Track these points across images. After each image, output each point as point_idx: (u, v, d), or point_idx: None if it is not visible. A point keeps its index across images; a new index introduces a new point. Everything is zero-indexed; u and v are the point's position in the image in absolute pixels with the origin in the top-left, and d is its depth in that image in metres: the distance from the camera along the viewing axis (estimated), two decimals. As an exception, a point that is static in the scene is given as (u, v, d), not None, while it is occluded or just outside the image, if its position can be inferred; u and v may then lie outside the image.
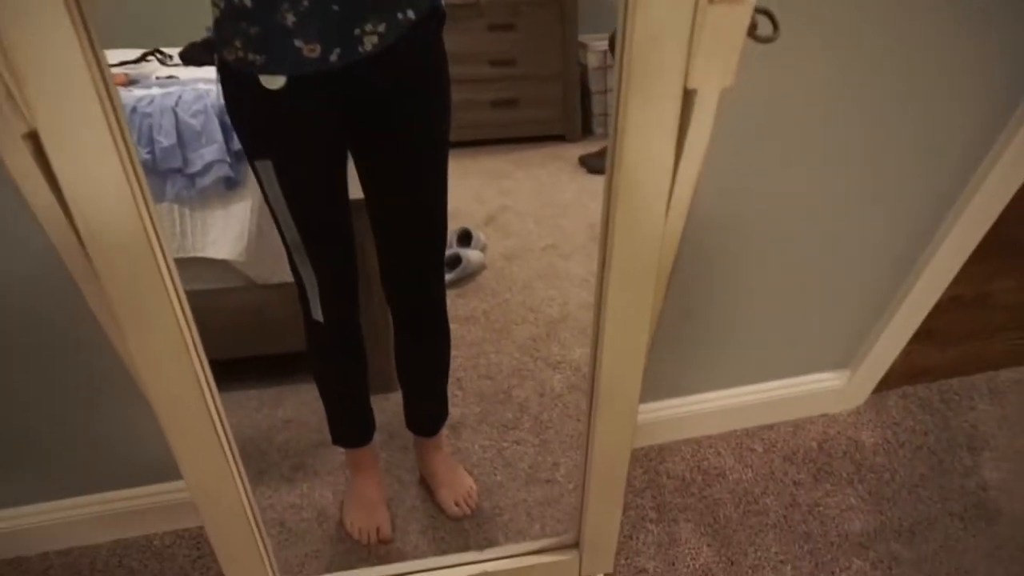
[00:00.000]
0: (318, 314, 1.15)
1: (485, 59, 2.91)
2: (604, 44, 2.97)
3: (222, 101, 1.46)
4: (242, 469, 0.84)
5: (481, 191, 2.68)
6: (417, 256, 1.18)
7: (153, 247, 0.57)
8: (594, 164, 2.82)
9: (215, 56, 0.97)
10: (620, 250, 0.58)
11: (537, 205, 2.63)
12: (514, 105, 3.04)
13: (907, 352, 1.55)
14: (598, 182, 2.78)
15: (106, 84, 0.48)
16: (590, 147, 2.93)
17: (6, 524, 1.35)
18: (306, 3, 0.87)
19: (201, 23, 2.02)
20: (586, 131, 3.20)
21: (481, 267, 2.20)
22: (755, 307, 1.40)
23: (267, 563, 0.92)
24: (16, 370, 1.16)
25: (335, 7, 0.88)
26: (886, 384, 1.64)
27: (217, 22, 0.93)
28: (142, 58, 2.01)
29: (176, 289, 0.64)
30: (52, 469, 1.31)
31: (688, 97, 0.51)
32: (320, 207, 1.07)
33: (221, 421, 0.79)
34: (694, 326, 1.39)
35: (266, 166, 1.00)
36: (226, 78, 0.97)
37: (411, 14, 0.94)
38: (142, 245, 0.55)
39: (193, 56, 1.97)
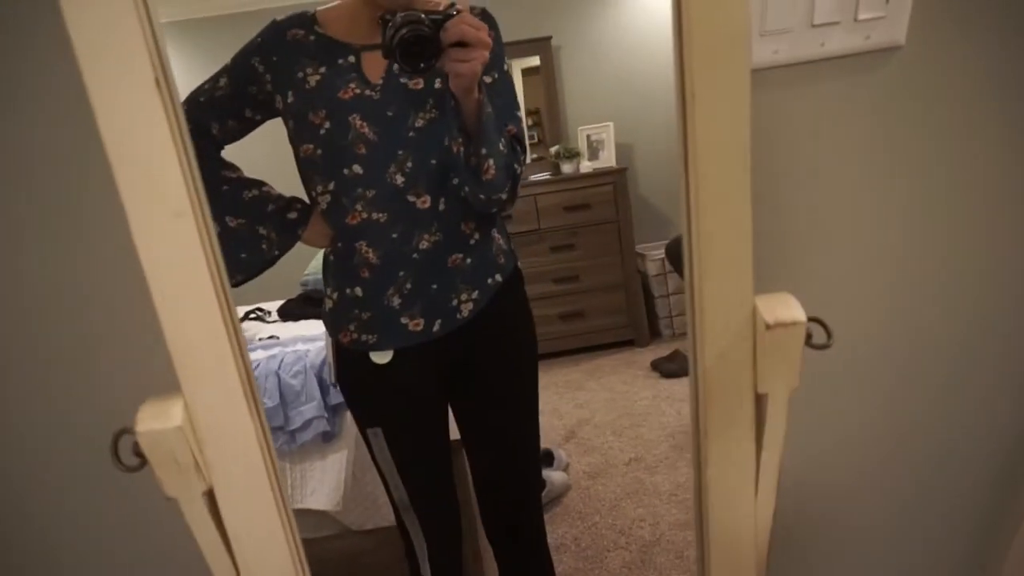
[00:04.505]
0: (427, 573, 1.18)
1: (550, 277, 3.11)
2: (661, 253, 3.13)
3: (319, 361, 1.61)
4: None
5: (558, 405, 2.72)
6: (515, 486, 1.21)
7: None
8: (667, 368, 2.85)
9: (328, 337, 1.08)
10: (716, 548, 0.61)
11: (615, 416, 2.65)
12: (581, 316, 3.17)
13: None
14: (673, 387, 2.81)
15: (269, 450, 0.58)
16: (660, 351, 2.99)
17: None
18: (409, 286, 0.99)
19: (295, 279, 2.27)
20: (654, 334, 3.27)
21: (566, 488, 2.19)
22: None
23: None
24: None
25: (434, 285, 1.00)
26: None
27: (331, 311, 1.05)
28: (245, 317, 2.24)
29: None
30: None
31: (760, 399, 0.57)
32: (427, 467, 1.13)
33: None
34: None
35: (376, 433, 1.08)
36: (339, 356, 1.08)
37: (499, 277, 1.05)
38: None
39: (290, 311, 2.19)
